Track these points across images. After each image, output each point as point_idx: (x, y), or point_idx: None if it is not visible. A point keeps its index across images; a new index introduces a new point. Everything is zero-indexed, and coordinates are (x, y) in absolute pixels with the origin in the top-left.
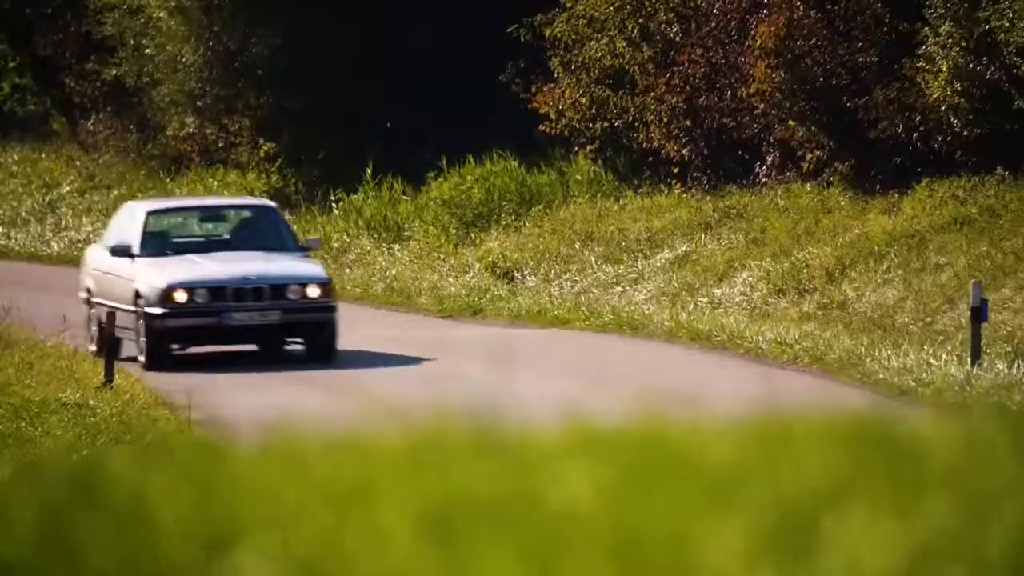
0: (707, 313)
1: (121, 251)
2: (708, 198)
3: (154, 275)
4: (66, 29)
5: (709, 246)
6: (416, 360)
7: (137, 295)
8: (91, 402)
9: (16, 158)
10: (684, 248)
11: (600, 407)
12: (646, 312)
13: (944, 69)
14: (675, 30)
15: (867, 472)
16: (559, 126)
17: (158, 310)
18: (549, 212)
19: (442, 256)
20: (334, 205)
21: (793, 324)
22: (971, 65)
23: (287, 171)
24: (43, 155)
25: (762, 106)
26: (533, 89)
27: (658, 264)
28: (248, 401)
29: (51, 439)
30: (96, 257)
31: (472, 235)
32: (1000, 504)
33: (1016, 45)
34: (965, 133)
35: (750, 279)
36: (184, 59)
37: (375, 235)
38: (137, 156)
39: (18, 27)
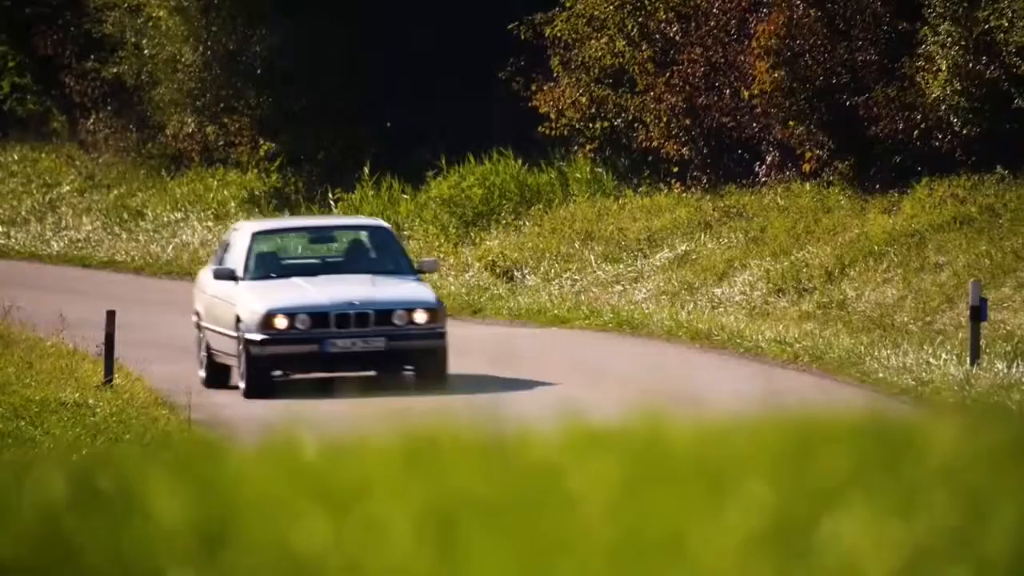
0: (707, 312)
1: (224, 274)
2: (708, 197)
3: (255, 300)
4: (66, 28)
5: (709, 245)
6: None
7: (238, 320)
8: (91, 402)
9: (16, 158)
10: (684, 247)
11: (600, 407)
12: (646, 311)
13: (944, 68)
14: (675, 29)
15: (867, 471)
16: (559, 125)
17: (257, 336)
18: (549, 211)
19: (442, 255)
20: (333, 204)
21: (793, 323)
22: (970, 64)
23: (287, 171)
24: (43, 155)
25: (761, 105)
26: (533, 88)
27: (658, 263)
28: (248, 401)
29: (51, 439)
30: (205, 279)
31: (472, 234)
32: (1000, 504)
33: (1015, 44)
34: (965, 132)
35: (750, 278)
36: (184, 59)
37: None
38: (137, 156)
39: (18, 27)
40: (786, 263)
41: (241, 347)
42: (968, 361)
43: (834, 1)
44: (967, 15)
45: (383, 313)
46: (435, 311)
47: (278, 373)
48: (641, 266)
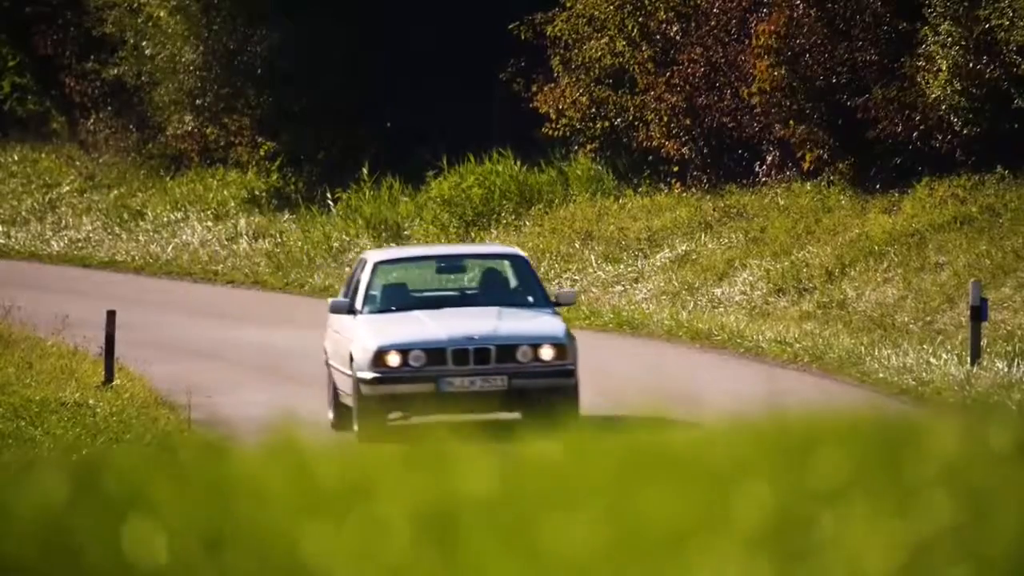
0: (707, 312)
1: (341, 308)
2: (708, 197)
3: (368, 335)
4: (66, 28)
5: (709, 245)
6: None
7: (351, 357)
8: (91, 402)
9: (16, 158)
10: (684, 247)
11: (599, 406)
12: (646, 311)
13: (944, 68)
14: (675, 29)
15: (867, 471)
16: (559, 126)
17: (368, 374)
18: (549, 211)
19: None
20: (332, 205)
21: (793, 323)
22: (971, 64)
23: (287, 171)
24: (43, 155)
25: (761, 105)
26: (533, 88)
27: (658, 263)
28: (248, 401)
29: (51, 439)
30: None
31: (472, 234)
32: (1000, 504)
33: (1016, 44)
34: (965, 132)
35: (750, 278)
36: (184, 59)
37: (375, 234)
38: (137, 156)
39: (18, 27)
40: (786, 263)
41: (354, 386)
42: (968, 361)
43: (834, 1)
44: (967, 15)
45: (505, 349)
46: (563, 347)
47: (396, 415)
48: (641, 266)
